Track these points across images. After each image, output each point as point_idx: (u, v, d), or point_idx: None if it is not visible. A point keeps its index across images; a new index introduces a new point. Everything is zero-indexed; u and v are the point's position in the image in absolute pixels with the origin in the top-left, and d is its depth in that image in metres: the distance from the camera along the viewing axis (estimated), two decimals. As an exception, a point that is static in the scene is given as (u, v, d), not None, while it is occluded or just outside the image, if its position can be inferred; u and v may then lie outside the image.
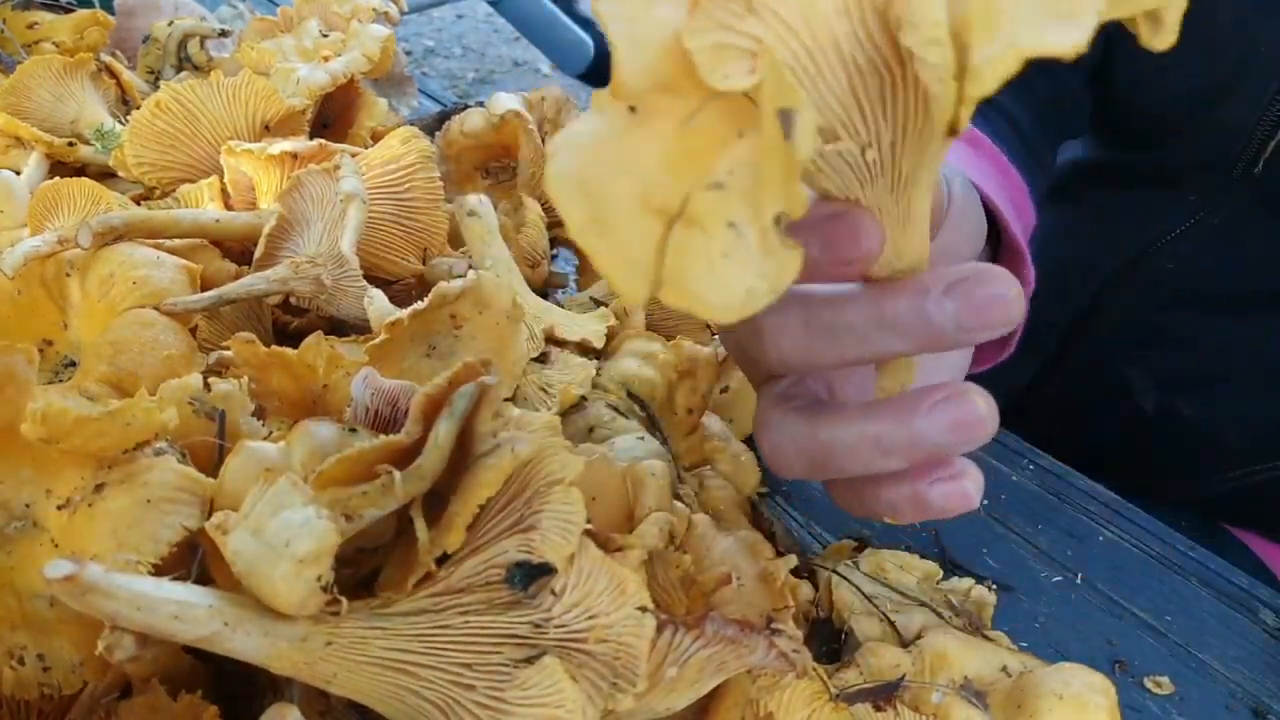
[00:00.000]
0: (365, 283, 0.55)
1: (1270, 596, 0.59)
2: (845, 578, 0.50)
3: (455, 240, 0.63)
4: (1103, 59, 0.79)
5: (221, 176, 0.63)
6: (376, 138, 0.69)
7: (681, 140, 0.25)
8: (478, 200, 0.58)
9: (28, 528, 0.37)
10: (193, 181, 0.64)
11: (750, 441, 0.58)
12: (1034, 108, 0.76)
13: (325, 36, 0.76)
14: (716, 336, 0.63)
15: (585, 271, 0.74)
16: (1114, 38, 0.76)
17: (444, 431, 0.35)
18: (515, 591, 0.33)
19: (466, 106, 0.75)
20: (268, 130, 0.67)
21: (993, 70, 0.25)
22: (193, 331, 0.53)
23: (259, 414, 0.45)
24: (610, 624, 0.33)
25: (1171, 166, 0.82)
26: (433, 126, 0.77)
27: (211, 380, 0.44)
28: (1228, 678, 0.53)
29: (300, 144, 0.60)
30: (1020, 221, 0.60)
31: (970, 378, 0.57)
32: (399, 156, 0.61)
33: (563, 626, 0.33)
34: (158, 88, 0.66)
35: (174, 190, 0.64)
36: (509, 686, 0.32)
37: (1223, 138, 0.75)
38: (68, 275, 0.52)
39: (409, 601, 0.34)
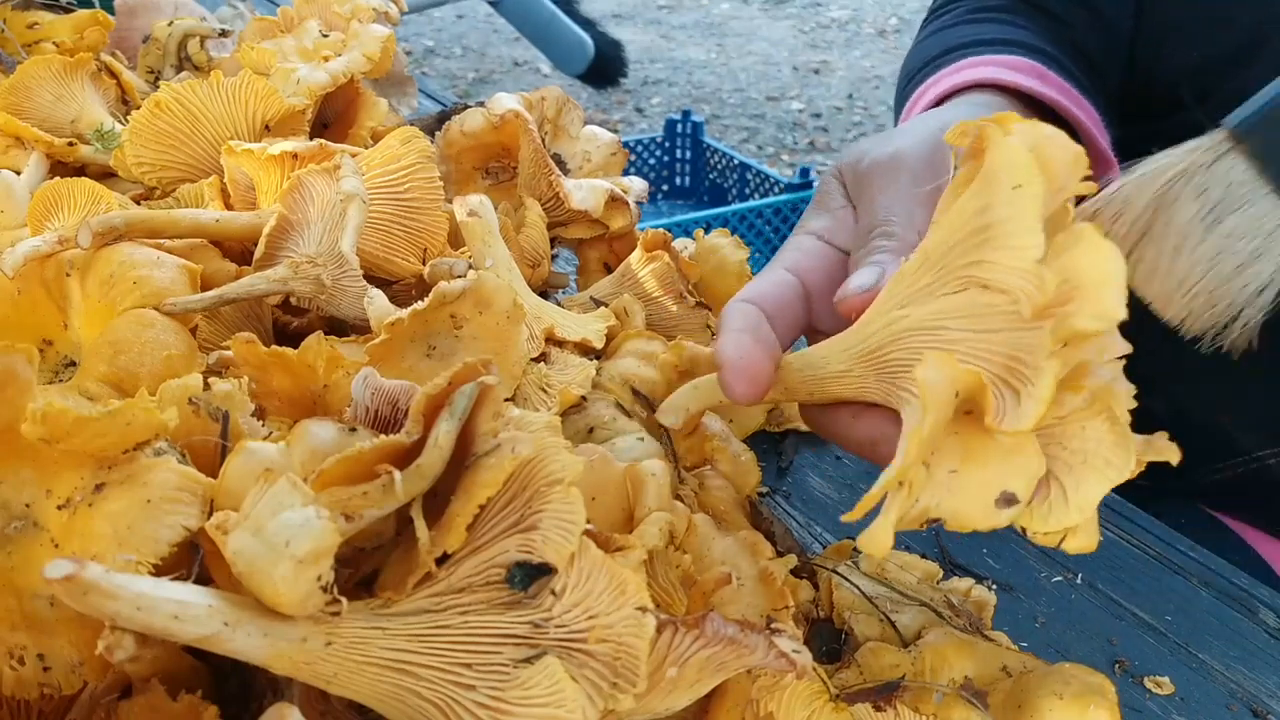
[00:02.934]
0: (365, 283, 0.55)
1: (1270, 596, 0.59)
2: (845, 578, 0.49)
3: (455, 240, 0.63)
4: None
5: (221, 176, 0.63)
6: (376, 138, 0.69)
7: None
8: (478, 200, 0.58)
9: (28, 528, 0.37)
10: (193, 181, 0.64)
11: (750, 441, 0.58)
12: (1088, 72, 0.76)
13: (325, 36, 0.76)
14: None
15: (585, 271, 0.74)
16: (1143, 6, 0.75)
17: (444, 431, 0.35)
18: (515, 591, 0.33)
19: (466, 106, 0.75)
20: (268, 130, 0.67)
21: None
22: (193, 331, 0.53)
23: (259, 414, 0.45)
24: (610, 624, 0.33)
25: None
26: (433, 126, 0.77)
27: (211, 380, 0.44)
28: (1228, 678, 0.53)
29: (300, 144, 0.60)
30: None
31: None
32: (399, 156, 0.61)
33: (563, 626, 0.33)
34: (158, 88, 0.66)
35: (174, 190, 0.64)
36: (509, 686, 0.32)
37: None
38: (68, 275, 0.52)
39: (409, 601, 0.34)
